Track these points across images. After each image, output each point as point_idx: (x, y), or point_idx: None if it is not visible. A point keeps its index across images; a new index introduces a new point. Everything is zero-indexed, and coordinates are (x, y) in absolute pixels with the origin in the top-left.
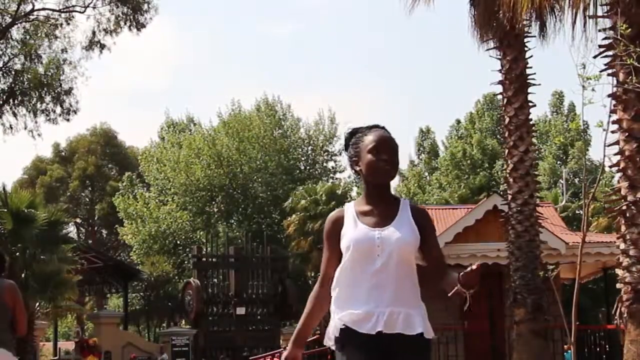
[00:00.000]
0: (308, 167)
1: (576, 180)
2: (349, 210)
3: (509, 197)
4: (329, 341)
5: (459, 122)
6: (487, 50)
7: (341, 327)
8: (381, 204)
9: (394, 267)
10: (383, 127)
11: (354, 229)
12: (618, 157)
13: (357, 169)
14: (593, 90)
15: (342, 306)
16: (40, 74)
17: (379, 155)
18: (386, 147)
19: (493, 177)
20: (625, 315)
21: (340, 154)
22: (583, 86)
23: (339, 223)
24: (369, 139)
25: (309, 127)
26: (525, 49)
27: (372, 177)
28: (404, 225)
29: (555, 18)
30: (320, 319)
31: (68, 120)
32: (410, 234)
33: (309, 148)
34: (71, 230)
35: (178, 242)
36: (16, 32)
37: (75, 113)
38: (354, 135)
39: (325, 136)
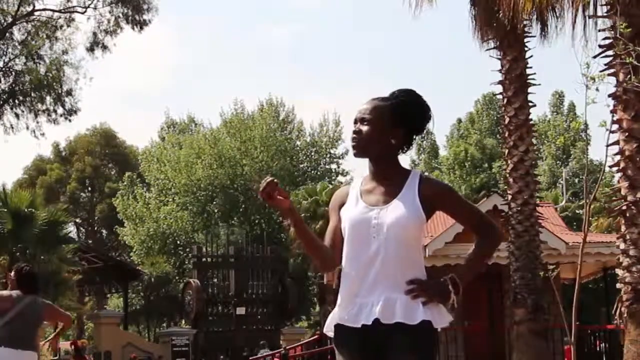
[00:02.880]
0: (310, 169)
1: (576, 180)
2: (355, 187)
3: (509, 197)
4: (329, 330)
5: (460, 121)
6: (488, 50)
7: (334, 325)
8: (384, 180)
9: (393, 250)
10: (399, 94)
11: (354, 207)
12: (618, 157)
13: None
14: (597, 90)
15: (339, 295)
16: (42, 75)
17: (353, 127)
18: (357, 117)
19: (493, 177)
20: (625, 315)
21: (343, 157)
22: (587, 86)
23: (342, 199)
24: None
25: (313, 129)
26: (526, 49)
27: None
28: (405, 203)
29: (557, 18)
30: (317, 250)
31: (70, 120)
32: (411, 212)
33: (313, 150)
34: (71, 230)
35: (178, 242)
36: (17, 33)
37: (76, 113)
38: None
39: (329, 138)
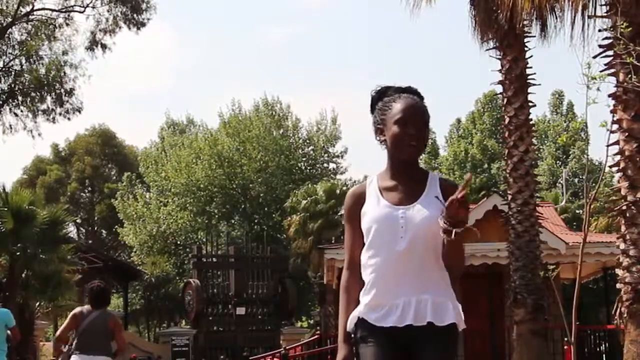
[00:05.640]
0: (309, 168)
1: (576, 180)
2: (372, 185)
3: (509, 197)
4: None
5: (459, 121)
6: (488, 50)
7: (360, 319)
8: (407, 179)
9: (420, 250)
10: (416, 91)
11: (376, 206)
12: (618, 157)
13: (382, 138)
14: (598, 90)
15: (365, 296)
16: (41, 74)
17: (407, 129)
18: (415, 119)
19: (493, 177)
20: (625, 315)
21: (341, 156)
22: (588, 86)
23: (360, 199)
24: (397, 108)
25: (310, 127)
26: (525, 49)
27: (397, 153)
28: (431, 203)
29: (556, 18)
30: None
31: (69, 119)
32: (438, 212)
33: (310, 148)
34: (71, 230)
35: (178, 242)
36: (17, 33)
37: (80, 112)
38: (382, 97)
39: (326, 137)
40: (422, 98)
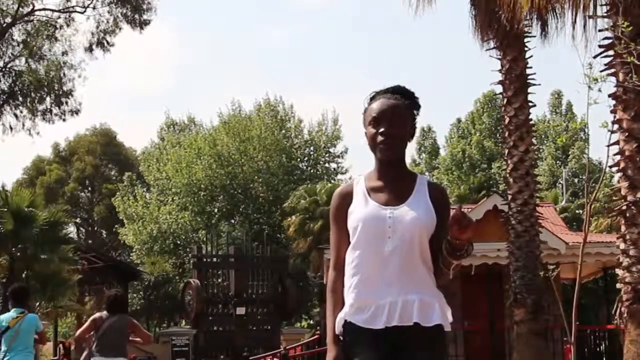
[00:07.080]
0: (310, 168)
1: (576, 180)
2: (360, 185)
3: (509, 197)
4: (339, 329)
5: (459, 120)
6: (488, 50)
7: (347, 322)
8: (395, 180)
9: (407, 250)
10: (400, 90)
11: (364, 206)
12: (618, 157)
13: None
14: (600, 90)
15: (350, 295)
16: (41, 75)
17: (378, 128)
18: (386, 117)
19: (492, 177)
20: (625, 315)
21: (342, 156)
22: (589, 86)
23: (347, 198)
24: (371, 109)
25: (312, 128)
26: (525, 49)
27: (373, 152)
28: (419, 204)
29: (557, 18)
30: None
31: (64, 120)
32: (426, 214)
33: (311, 149)
34: (71, 230)
35: (178, 242)
36: (17, 33)
37: (78, 114)
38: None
39: (327, 137)
40: (408, 96)
